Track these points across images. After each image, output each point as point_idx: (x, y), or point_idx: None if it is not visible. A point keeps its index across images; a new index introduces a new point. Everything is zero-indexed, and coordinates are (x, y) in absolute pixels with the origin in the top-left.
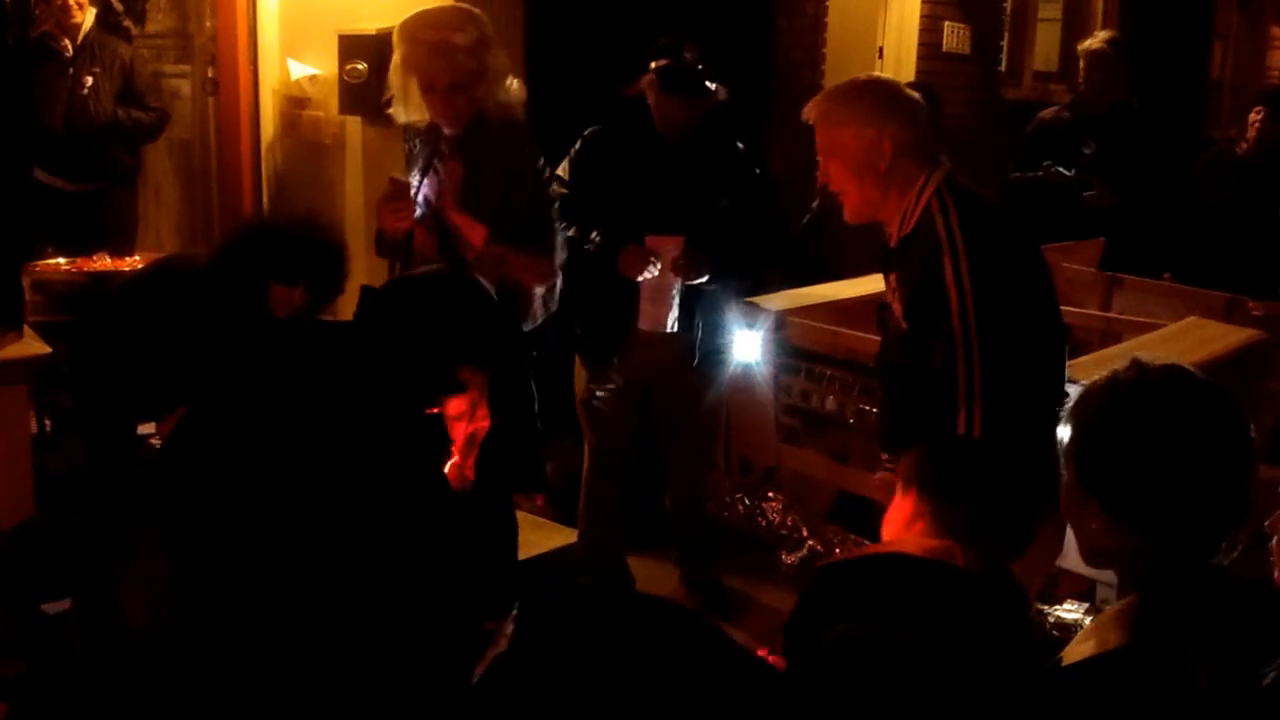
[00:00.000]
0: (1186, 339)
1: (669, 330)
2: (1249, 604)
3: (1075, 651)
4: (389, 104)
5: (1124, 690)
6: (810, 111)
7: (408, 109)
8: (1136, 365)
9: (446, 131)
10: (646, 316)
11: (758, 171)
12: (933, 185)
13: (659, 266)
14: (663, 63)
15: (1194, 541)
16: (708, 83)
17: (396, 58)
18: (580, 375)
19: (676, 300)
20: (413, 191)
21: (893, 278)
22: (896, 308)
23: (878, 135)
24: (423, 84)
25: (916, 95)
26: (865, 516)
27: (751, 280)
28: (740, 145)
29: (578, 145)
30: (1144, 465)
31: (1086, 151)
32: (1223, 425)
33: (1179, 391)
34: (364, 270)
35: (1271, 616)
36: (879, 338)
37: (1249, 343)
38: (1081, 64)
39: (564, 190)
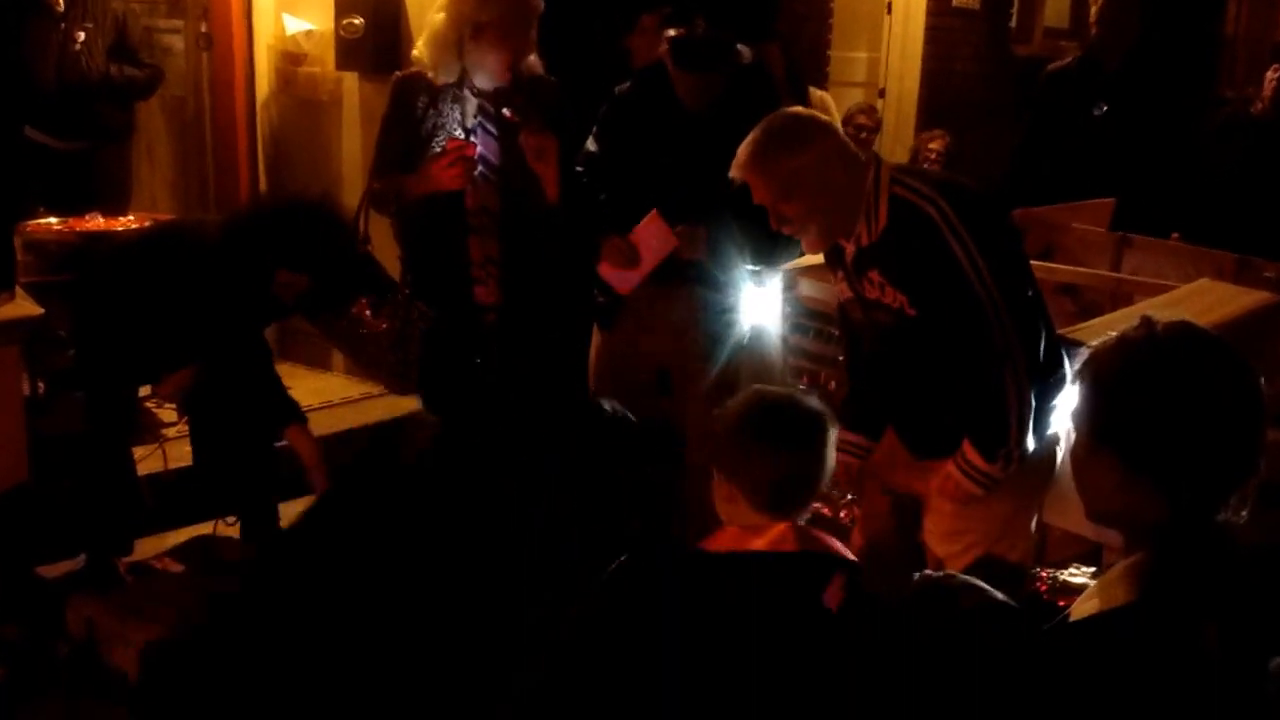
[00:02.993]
0: (1199, 301)
1: (621, 293)
2: (1258, 563)
3: (1081, 609)
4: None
5: (1129, 647)
6: (743, 168)
7: (448, 63)
8: (1146, 323)
9: (480, 88)
10: (607, 270)
11: None
12: (885, 175)
13: (639, 262)
14: (676, 34)
15: (1206, 494)
16: (727, 52)
17: (461, 8)
18: (595, 343)
19: (639, 281)
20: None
21: (874, 274)
22: (892, 300)
23: (821, 156)
24: (491, 37)
25: None
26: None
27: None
28: None
29: (605, 106)
30: (1160, 413)
31: (1097, 113)
32: (1231, 374)
33: (1188, 343)
34: None
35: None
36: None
37: (1261, 305)
38: (1094, 7)
39: (593, 151)
